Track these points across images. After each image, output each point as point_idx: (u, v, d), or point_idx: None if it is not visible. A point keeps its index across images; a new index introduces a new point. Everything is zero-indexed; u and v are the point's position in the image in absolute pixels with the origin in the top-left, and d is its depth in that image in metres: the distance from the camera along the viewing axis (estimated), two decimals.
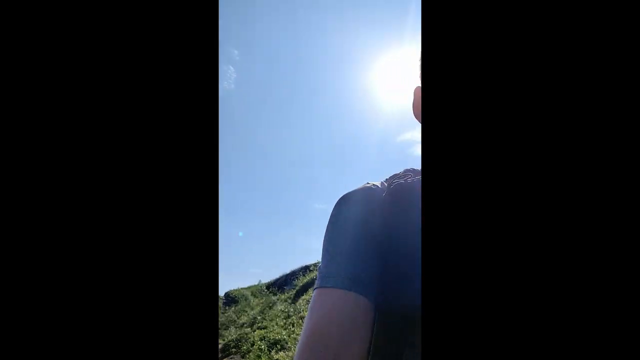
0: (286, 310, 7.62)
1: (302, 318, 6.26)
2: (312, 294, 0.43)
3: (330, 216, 0.48)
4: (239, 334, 7.30)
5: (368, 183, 0.50)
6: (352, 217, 0.45)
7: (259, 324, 7.53)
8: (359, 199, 0.47)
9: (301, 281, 9.30)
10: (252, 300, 10.95)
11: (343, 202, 0.48)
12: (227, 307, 11.07)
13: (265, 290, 11.27)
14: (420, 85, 0.52)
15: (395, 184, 0.46)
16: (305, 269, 10.32)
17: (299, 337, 0.39)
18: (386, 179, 0.51)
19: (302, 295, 8.09)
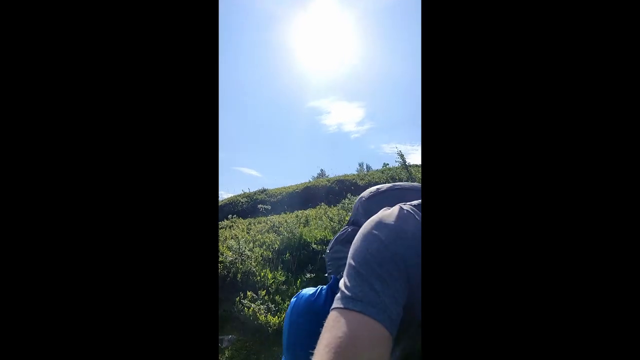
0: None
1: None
2: (336, 311, 0.39)
3: (366, 234, 0.45)
4: None
5: (403, 206, 0.48)
6: (391, 248, 0.42)
7: None
8: (399, 230, 0.44)
9: None
10: None
11: (383, 227, 0.45)
12: None
13: None
14: None
15: None
16: None
17: (318, 349, 0.36)
18: (418, 204, 0.48)
19: None
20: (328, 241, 4.03)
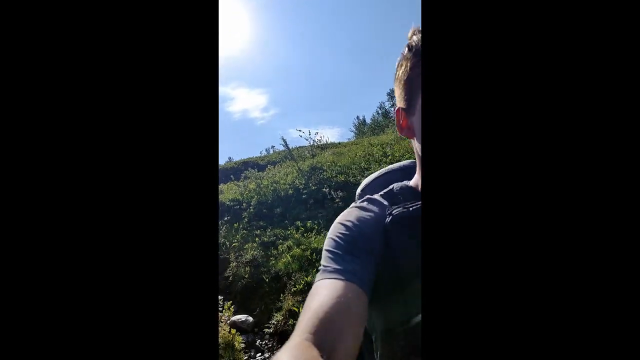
0: None
1: None
2: (314, 285, 0.46)
3: (335, 224, 0.54)
4: None
5: (370, 196, 0.58)
6: (358, 231, 0.51)
7: None
8: (364, 219, 0.53)
9: None
10: None
11: (348, 215, 0.54)
12: None
13: None
14: (400, 106, 0.55)
15: (397, 214, 0.52)
16: None
17: (302, 314, 0.41)
18: (385, 193, 0.58)
19: None
20: (237, 200, 6.11)
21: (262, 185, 6.48)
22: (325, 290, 0.43)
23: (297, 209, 5.36)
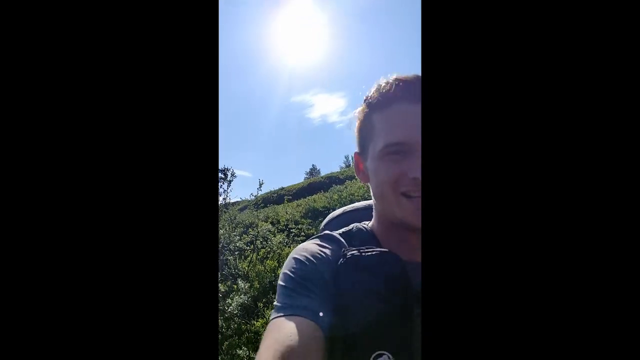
0: None
1: None
2: (270, 322, 0.45)
3: (289, 259, 0.54)
4: None
5: (329, 232, 0.59)
6: (313, 267, 0.52)
7: None
8: (319, 256, 0.53)
9: None
10: None
11: (303, 251, 0.55)
12: None
13: None
14: (358, 150, 0.58)
15: (351, 256, 0.52)
16: None
17: (259, 352, 0.40)
18: (344, 232, 0.59)
19: None
20: (326, 207, 9.09)
21: (342, 196, 9.37)
22: (279, 329, 0.43)
23: None
